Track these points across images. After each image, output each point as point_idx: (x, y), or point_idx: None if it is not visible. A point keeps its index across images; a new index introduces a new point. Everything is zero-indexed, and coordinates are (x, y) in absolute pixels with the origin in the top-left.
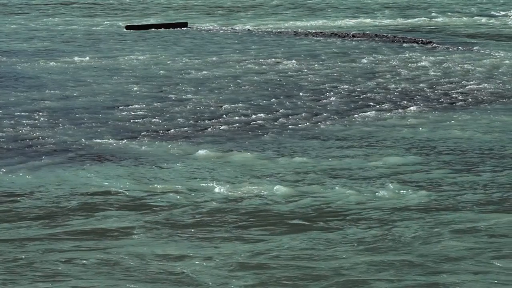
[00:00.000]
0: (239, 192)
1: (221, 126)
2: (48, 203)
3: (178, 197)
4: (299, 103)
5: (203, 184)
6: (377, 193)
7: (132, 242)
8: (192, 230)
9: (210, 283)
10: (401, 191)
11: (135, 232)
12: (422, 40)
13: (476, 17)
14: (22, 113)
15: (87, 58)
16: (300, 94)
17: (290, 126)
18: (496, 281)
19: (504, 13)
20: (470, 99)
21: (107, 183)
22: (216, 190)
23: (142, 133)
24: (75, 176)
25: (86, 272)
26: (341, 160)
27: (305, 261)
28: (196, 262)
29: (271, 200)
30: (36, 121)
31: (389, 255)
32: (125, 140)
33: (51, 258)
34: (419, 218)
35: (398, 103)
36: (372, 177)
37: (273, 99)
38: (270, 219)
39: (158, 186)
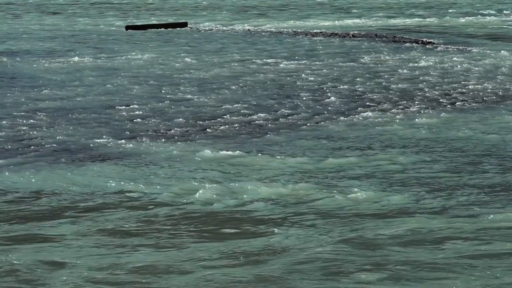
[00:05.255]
0: (235, 193)
1: (221, 126)
2: (37, 204)
3: (175, 197)
4: (299, 103)
5: (201, 184)
6: (351, 196)
7: (55, 247)
8: (135, 236)
9: None
10: (378, 193)
11: (67, 237)
12: (422, 40)
13: (476, 17)
14: (22, 113)
15: (87, 58)
16: (300, 94)
17: (290, 126)
18: None
19: (504, 13)
20: (470, 99)
21: (106, 183)
22: (214, 190)
23: (142, 133)
24: (74, 177)
25: None
26: (341, 160)
27: (159, 276)
28: (68, 271)
29: (255, 202)
30: (36, 121)
31: (250, 269)
32: (125, 140)
33: None
34: (348, 225)
35: (398, 103)
36: (365, 178)
37: (273, 99)
38: (226, 224)
39: (157, 186)
